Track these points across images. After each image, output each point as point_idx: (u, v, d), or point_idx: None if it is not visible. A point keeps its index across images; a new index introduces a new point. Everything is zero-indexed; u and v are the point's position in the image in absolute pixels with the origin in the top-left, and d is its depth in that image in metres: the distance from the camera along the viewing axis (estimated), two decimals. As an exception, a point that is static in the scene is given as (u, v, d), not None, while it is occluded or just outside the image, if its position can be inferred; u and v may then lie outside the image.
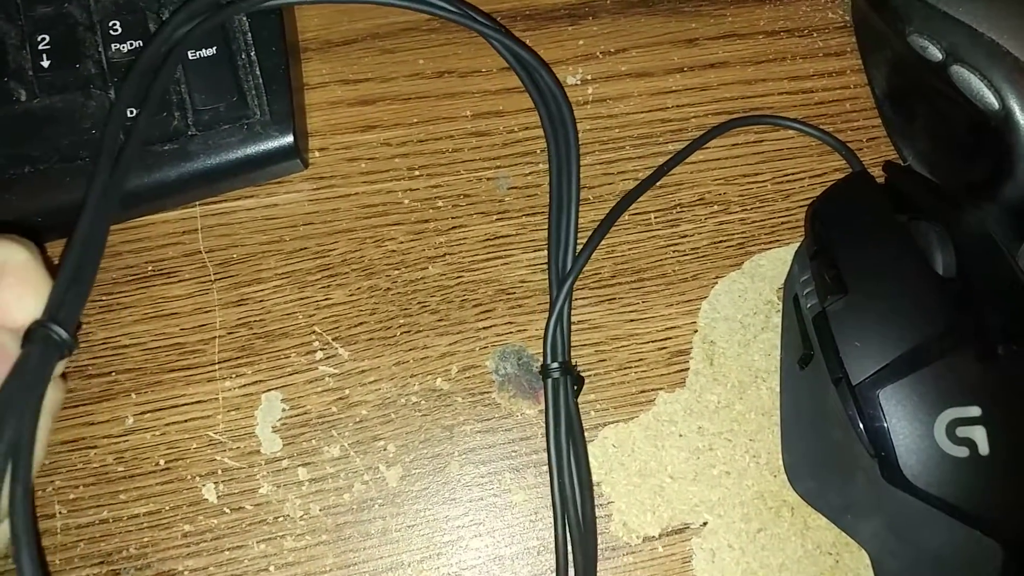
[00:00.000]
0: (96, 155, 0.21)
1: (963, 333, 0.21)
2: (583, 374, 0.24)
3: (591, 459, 0.24)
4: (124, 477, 0.23)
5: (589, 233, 0.25)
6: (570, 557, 0.22)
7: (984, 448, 0.20)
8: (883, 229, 0.23)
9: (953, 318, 0.21)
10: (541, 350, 0.24)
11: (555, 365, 0.23)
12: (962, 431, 0.20)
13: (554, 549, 0.22)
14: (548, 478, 0.23)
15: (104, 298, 0.24)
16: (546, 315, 0.24)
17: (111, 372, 0.24)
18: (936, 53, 0.24)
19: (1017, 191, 0.24)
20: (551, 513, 0.23)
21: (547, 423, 0.23)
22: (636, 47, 0.27)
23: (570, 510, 0.22)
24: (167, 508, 0.23)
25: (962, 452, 0.20)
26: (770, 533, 0.24)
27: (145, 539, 0.23)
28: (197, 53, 0.23)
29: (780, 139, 0.27)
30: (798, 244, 0.26)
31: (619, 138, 0.27)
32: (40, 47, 0.23)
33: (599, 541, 0.23)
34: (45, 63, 0.23)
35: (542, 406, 0.24)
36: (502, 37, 0.25)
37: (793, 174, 0.27)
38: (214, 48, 0.23)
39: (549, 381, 0.23)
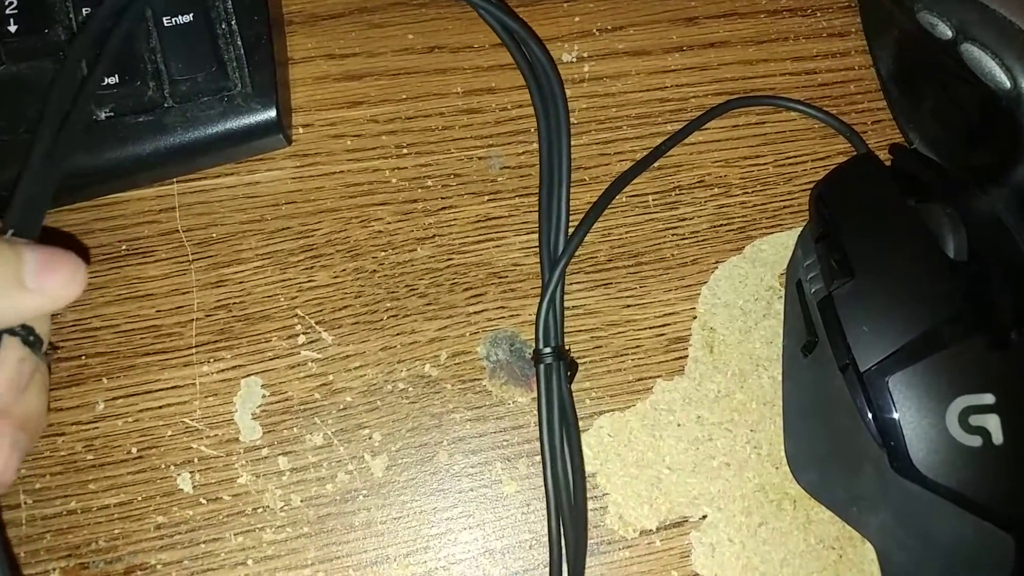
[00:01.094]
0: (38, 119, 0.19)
1: (976, 318, 0.20)
2: (578, 361, 0.23)
3: (586, 448, 0.23)
4: (94, 466, 0.22)
5: (583, 215, 0.24)
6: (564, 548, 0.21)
7: (998, 437, 0.19)
8: (892, 211, 0.22)
9: (965, 303, 0.20)
10: (533, 335, 0.23)
11: (548, 350, 0.22)
12: (975, 420, 0.19)
13: (547, 539, 0.21)
14: (541, 468, 0.22)
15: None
16: (539, 299, 0.23)
17: (81, 355, 0.23)
18: (945, 31, 0.23)
19: (1027, 174, 0.23)
20: (544, 504, 0.22)
21: (540, 410, 0.22)
22: (634, 25, 0.26)
23: (563, 500, 0.21)
24: (139, 499, 0.22)
25: (975, 442, 0.19)
26: (771, 527, 0.23)
27: (116, 531, 0.22)
28: (173, 20, 0.22)
29: (782, 121, 0.26)
30: (801, 228, 0.25)
31: (616, 117, 0.26)
32: (7, 11, 0.22)
33: (594, 535, 0.22)
34: (12, 28, 0.21)
35: (535, 394, 0.23)
36: (490, 6, 0.24)
37: (796, 156, 0.26)
38: (191, 15, 0.22)
39: (542, 367, 0.22)
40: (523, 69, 0.25)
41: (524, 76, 0.25)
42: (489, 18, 0.25)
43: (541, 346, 0.22)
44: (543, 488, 0.22)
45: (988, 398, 0.19)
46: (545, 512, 0.22)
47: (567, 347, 0.23)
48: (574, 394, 0.23)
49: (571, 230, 0.24)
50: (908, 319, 0.20)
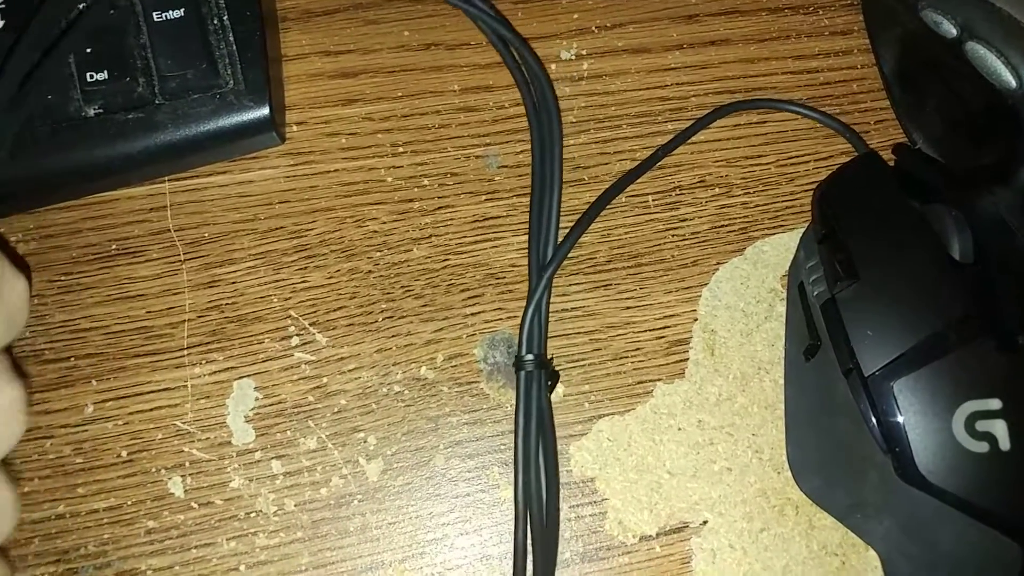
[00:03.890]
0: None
1: (982, 322, 0.20)
2: (577, 363, 0.23)
3: (585, 453, 0.22)
4: (83, 469, 0.21)
5: (575, 222, 0.23)
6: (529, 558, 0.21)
7: (1005, 443, 0.19)
8: (896, 212, 0.22)
9: (971, 306, 0.20)
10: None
11: (530, 358, 0.22)
12: (982, 425, 0.19)
13: (512, 550, 0.21)
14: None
15: (63, 278, 0.23)
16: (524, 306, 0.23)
17: (70, 357, 0.22)
18: (950, 29, 0.22)
19: (1033, 175, 0.22)
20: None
21: (516, 418, 0.21)
22: (633, 22, 0.26)
23: (533, 511, 0.21)
24: (129, 503, 0.21)
25: (982, 447, 0.19)
26: (773, 533, 0.22)
27: (105, 536, 0.21)
28: (163, 15, 0.22)
29: (784, 120, 0.26)
30: (803, 229, 0.24)
31: (615, 116, 0.25)
32: None
33: (592, 541, 0.22)
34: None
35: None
36: (482, 13, 0.24)
37: (798, 156, 0.25)
38: (182, 10, 0.22)
39: (522, 374, 0.22)
40: (516, 76, 0.24)
41: (517, 83, 0.24)
42: (482, 25, 0.25)
43: (523, 353, 0.22)
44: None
45: (995, 403, 0.19)
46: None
47: (550, 356, 0.23)
48: (573, 398, 0.23)
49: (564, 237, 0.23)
50: (913, 322, 0.20)
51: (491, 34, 0.25)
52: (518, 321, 0.23)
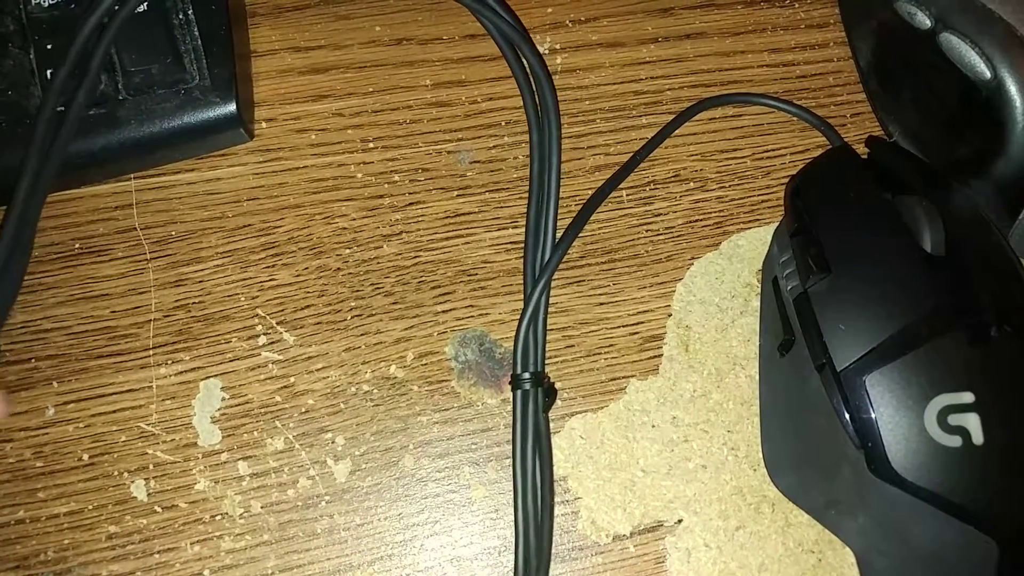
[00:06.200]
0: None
1: (954, 314, 0.19)
2: (549, 360, 0.23)
3: (557, 451, 0.22)
4: (43, 473, 0.21)
5: (563, 231, 0.23)
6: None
7: (978, 437, 0.18)
8: (868, 205, 0.21)
9: (943, 299, 0.20)
10: (503, 335, 0.22)
11: (526, 375, 0.21)
12: (954, 419, 0.19)
13: (513, 566, 0.20)
14: (511, 473, 0.21)
15: (24, 278, 0.22)
16: (511, 298, 0.22)
17: (30, 359, 0.22)
18: (924, 20, 0.22)
19: (1008, 167, 0.22)
20: (511, 512, 0.21)
21: (513, 437, 0.21)
22: (608, 16, 0.26)
23: (531, 530, 0.20)
24: (90, 507, 0.21)
25: (955, 442, 0.19)
26: (749, 531, 0.22)
27: (65, 541, 0.21)
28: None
29: (760, 113, 0.25)
30: (779, 223, 0.24)
31: (590, 111, 0.25)
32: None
33: (565, 541, 0.22)
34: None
35: (504, 395, 0.22)
36: (489, 12, 0.23)
37: (774, 150, 0.25)
38: (145, 3, 0.21)
39: (519, 393, 0.21)
40: (518, 77, 0.24)
41: (518, 83, 0.24)
42: (488, 24, 0.24)
43: (519, 371, 0.21)
44: (512, 507, 0.21)
45: (967, 396, 0.19)
46: (512, 518, 0.21)
47: (546, 375, 0.22)
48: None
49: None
50: (885, 316, 0.20)
51: (495, 32, 0.24)
52: (490, 318, 0.23)
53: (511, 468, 0.21)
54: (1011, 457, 0.19)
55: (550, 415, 0.22)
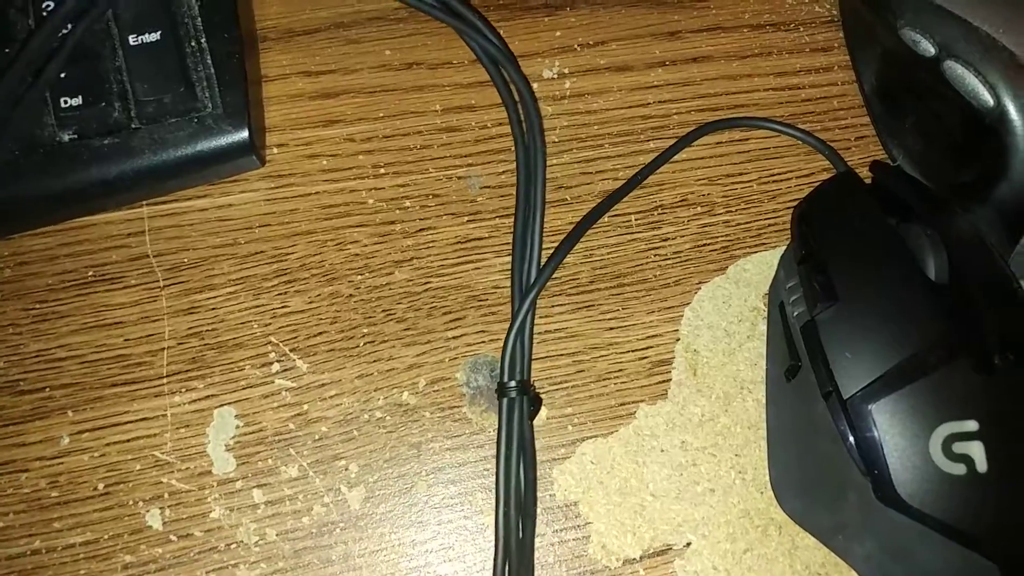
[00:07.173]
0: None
1: (959, 343, 0.20)
2: (560, 385, 0.23)
3: (568, 476, 0.22)
4: (58, 503, 0.21)
5: (557, 245, 0.23)
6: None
7: (982, 465, 0.19)
8: (873, 233, 0.22)
9: (948, 327, 0.20)
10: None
11: (512, 384, 0.22)
12: (959, 447, 0.19)
13: None
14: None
15: (38, 307, 0.22)
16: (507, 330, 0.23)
17: (45, 388, 0.22)
18: (928, 48, 0.23)
19: (1011, 192, 0.23)
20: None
21: (498, 445, 0.21)
22: (616, 39, 0.26)
23: (512, 539, 0.21)
24: (106, 537, 0.21)
25: (959, 469, 0.19)
26: (757, 553, 0.22)
27: (81, 571, 0.21)
28: (140, 38, 0.21)
29: (766, 137, 0.26)
30: (785, 247, 0.24)
31: (598, 135, 0.25)
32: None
33: (576, 565, 0.22)
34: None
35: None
36: (472, 31, 0.24)
37: (780, 174, 0.25)
38: (158, 33, 0.21)
39: (505, 401, 0.21)
40: (502, 95, 0.24)
41: (504, 102, 0.24)
42: (472, 43, 0.24)
43: (506, 379, 0.22)
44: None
45: (971, 425, 0.19)
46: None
47: (532, 383, 0.23)
48: (556, 420, 0.23)
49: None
50: (890, 345, 0.20)
51: (479, 50, 0.25)
52: (501, 343, 0.23)
53: (494, 477, 0.21)
54: (1015, 484, 0.19)
55: (559, 440, 0.23)
